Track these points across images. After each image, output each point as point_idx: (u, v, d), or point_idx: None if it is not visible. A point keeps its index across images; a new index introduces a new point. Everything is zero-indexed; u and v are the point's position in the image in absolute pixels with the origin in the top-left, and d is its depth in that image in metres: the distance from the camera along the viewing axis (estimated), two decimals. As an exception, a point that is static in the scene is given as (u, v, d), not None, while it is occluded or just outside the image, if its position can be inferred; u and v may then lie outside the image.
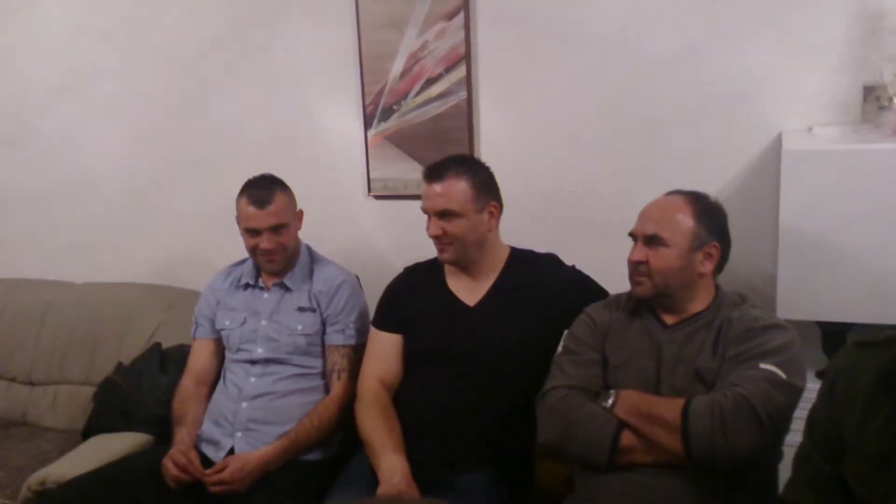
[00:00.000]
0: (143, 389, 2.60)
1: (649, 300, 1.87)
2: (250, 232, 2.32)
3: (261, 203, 2.30)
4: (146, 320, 2.90)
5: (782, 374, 1.69)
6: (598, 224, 2.51)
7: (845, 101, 2.22)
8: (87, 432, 2.63)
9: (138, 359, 2.75)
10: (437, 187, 2.09)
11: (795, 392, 1.71)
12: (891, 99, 1.97)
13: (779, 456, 1.80)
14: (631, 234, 1.89)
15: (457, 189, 2.08)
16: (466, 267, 2.17)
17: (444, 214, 2.09)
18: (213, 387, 2.47)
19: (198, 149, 3.01)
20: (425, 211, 2.13)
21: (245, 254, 2.54)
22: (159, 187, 3.11)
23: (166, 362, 2.68)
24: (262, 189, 2.33)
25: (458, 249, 2.12)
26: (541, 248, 2.27)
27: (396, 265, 2.72)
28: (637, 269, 1.84)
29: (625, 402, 1.79)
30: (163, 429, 2.47)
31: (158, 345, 2.77)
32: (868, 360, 1.43)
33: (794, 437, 1.68)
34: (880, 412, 1.38)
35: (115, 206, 3.19)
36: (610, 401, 1.80)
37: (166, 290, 3.04)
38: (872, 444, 1.38)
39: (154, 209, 3.14)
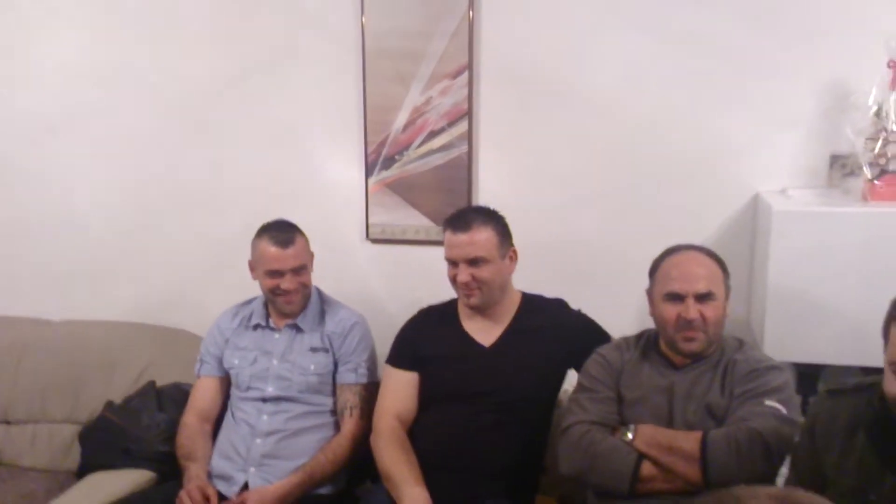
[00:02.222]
0: (141, 426, 2.61)
1: (695, 353, 2.02)
2: (272, 273, 2.40)
3: (284, 244, 2.39)
4: (134, 359, 2.91)
5: (784, 411, 1.90)
6: (589, 272, 2.69)
7: (814, 167, 2.48)
8: (83, 470, 2.61)
9: (132, 396, 2.76)
10: (465, 237, 2.23)
11: (795, 426, 1.91)
12: (860, 167, 2.23)
13: (774, 484, 2.00)
14: (674, 295, 1.99)
15: (484, 237, 2.23)
16: (485, 310, 2.32)
17: (474, 262, 2.23)
18: (215, 424, 2.52)
19: (191, 190, 3.05)
20: (453, 259, 2.26)
21: (243, 294, 2.63)
22: (147, 227, 3.13)
23: (163, 400, 2.70)
24: (283, 231, 2.43)
25: (486, 294, 2.26)
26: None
27: (391, 309, 2.86)
28: (691, 325, 1.96)
29: (644, 435, 1.96)
30: (165, 466, 2.51)
31: (153, 383, 2.78)
32: (840, 406, 1.66)
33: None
34: (854, 451, 1.60)
35: (98, 245, 3.18)
36: (630, 435, 1.97)
37: (153, 329, 3.05)
38: (848, 479, 1.60)
39: (142, 248, 3.15)
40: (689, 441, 1.89)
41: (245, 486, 2.31)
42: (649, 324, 2.16)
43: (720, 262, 2.04)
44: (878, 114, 2.18)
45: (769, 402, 1.90)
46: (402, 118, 2.77)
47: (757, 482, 1.84)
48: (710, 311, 1.97)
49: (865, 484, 1.57)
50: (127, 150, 3.09)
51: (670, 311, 1.99)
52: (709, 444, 1.85)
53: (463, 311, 2.36)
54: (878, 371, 1.65)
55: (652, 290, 2.08)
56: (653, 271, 2.08)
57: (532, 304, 2.37)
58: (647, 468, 1.92)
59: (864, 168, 2.20)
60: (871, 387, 1.58)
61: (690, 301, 1.97)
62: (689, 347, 2.00)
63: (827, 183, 2.46)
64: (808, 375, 2.35)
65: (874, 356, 2.08)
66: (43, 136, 3.16)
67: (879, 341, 2.14)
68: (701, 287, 1.98)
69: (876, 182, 2.16)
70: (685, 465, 1.87)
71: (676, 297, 1.99)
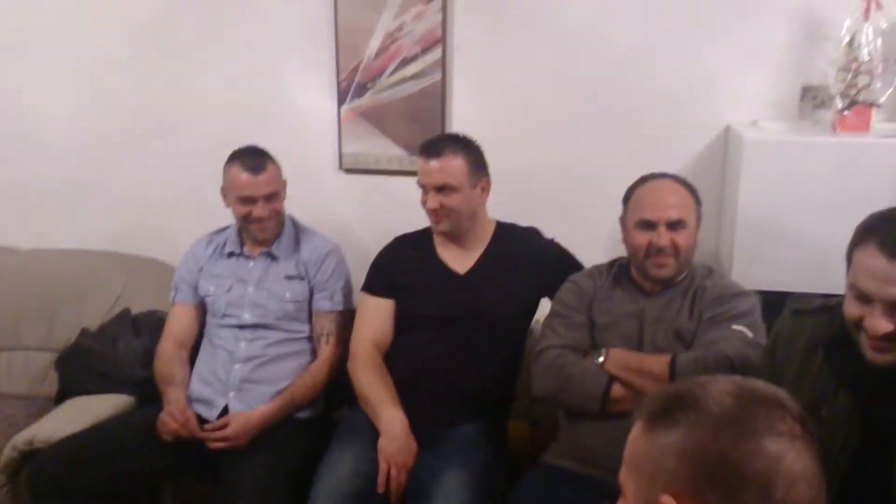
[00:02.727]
0: (118, 352, 2.64)
1: (665, 280, 2.07)
2: (244, 200, 2.40)
3: (255, 170, 2.39)
4: (107, 287, 2.92)
5: (750, 335, 1.97)
6: (562, 202, 2.71)
7: (784, 99, 2.50)
8: (62, 396, 2.64)
9: (108, 324, 2.78)
10: (436, 163, 2.25)
11: (760, 350, 1.99)
12: (831, 99, 2.27)
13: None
14: (645, 222, 2.03)
15: (454, 165, 2.25)
16: (457, 238, 2.35)
17: (441, 189, 2.25)
18: (191, 350, 2.55)
19: (161, 117, 3.01)
20: (423, 185, 2.28)
21: (215, 223, 2.63)
22: (115, 154, 3.09)
23: (139, 327, 2.72)
24: (254, 157, 2.42)
25: (454, 221, 2.29)
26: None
27: (364, 238, 2.88)
28: (662, 252, 2.01)
29: (615, 358, 2.02)
30: (144, 390, 2.54)
31: (128, 310, 2.80)
32: (803, 325, 1.71)
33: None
34: (811, 369, 1.65)
35: (65, 172, 3.15)
36: (601, 358, 2.03)
37: (125, 258, 3.05)
38: (803, 395, 1.65)
39: (110, 176, 3.12)
40: (658, 363, 1.95)
41: (225, 410, 2.35)
42: (621, 253, 2.21)
43: (692, 191, 2.08)
44: (850, 44, 2.20)
45: (736, 327, 1.97)
46: (374, 44, 2.74)
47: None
48: (681, 238, 2.02)
49: (819, 401, 1.63)
50: (93, 75, 3.04)
51: (642, 238, 2.03)
52: (677, 366, 1.92)
53: (437, 239, 2.39)
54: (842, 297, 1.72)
55: (625, 218, 2.12)
56: (626, 199, 2.12)
57: (506, 233, 2.40)
58: (617, 389, 1.99)
59: (836, 99, 2.24)
60: (834, 308, 1.64)
61: (662, 228, 2.01)
62: (660, 273, 2.05)
63: (797, 115, 2.49)
64: (774, 303, 2.41)
65: (838, 284, 2.12)
66: (2, 57, 3.08)
67: (843, 269, 2.23)
68: (673, 214, 2.02)
69: (846, 113, 2.20)
70: (654, 387, 1.93)
71: (648, 225, 2.03)
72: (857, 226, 1.53)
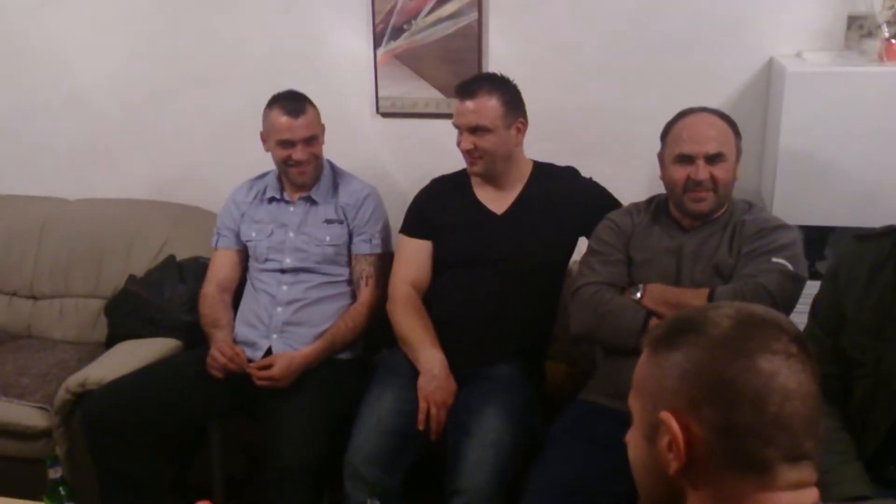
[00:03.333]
0: (164, 298, 2.70)
1: (705, 214, 2.04)
2: (283, 143, 2.42)
3: (295, 113, 2.40)
4: (152, 235, 2.97)
5: (791, 267, 1.94)
6: (601, 142, 2.69)
7: (830, 29, 2.43)
8: (111, 341, 2.72)
9: (153, 270, 2.84)
10: (470, 104, 2.23)
11: (801, 282, 1.97)
12: (878, 27, 2.20)
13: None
14: (683, 156, 2.00)
15: (488, 106, 2.23)
16: (494, 179, 2.34)
17: (475, 130, 2.24)
18: (234, 294, 2.60)
19: (198, 65, 3.03)
20: (457, 126, 2.27)
21: (255, 169, 2.65)
22: (156, 104, 3.12)
23: (184, 272, 2.77)
24: (294, 101, 2.43)
25: (488, 162, 2.28)
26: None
27: (402, 182, 2.89)
28: (700, 185, 1.98)
29: (652, 293, 2.01)
30: (190, 334, 2.61)
31: (173, 256, 2.85)
32: (866, 249, 1.74)
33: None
34: (875, 290, 1.68)
35: (108, 123, 3.19)
36: (639, 294, 2.02)
37: (169, 206, 3.09)
38: (868, 317, 1.68)
39: (151, 126, 3.15)
40: (696, 297, 1.94)
41: (268, 352, 2.40)
42: (660, 191, 2.19)
43: (732, 124, 2.04)
44: (898, -30, 2.12)
45: (776, 259, 1.94)
46: (411, -17, 2.72)
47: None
48: (720, 171, 1.99)
49: (883, 320, 1.65)
50: (131, 26, 3.05)
51: (680, 172, 2.01)
52: (716, 299, 1.90)
53: (475, 180, 2.38)
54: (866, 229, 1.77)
55: (662, 153, 2.09)
56: (664, 134, 2.09)
57: (543, 173, 2.39)
58: (654, 324, 1.98)
59: (882, 27, 2.17)
60: None
61: (700, 162, 1.98)
62: (698, 207, 2.02)
63: (843, 45, 2.42)
64: (815, 239, 2.38)
65: (883, 217, 2.12)
66: (42, 11, 3.11)
67: (887, 201, 2.18)
68: (711, 148, 1.98)
69: (893, 41, 2.13)
70: None
71: (686, 159, 2.00)
72: None
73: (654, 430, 0.94)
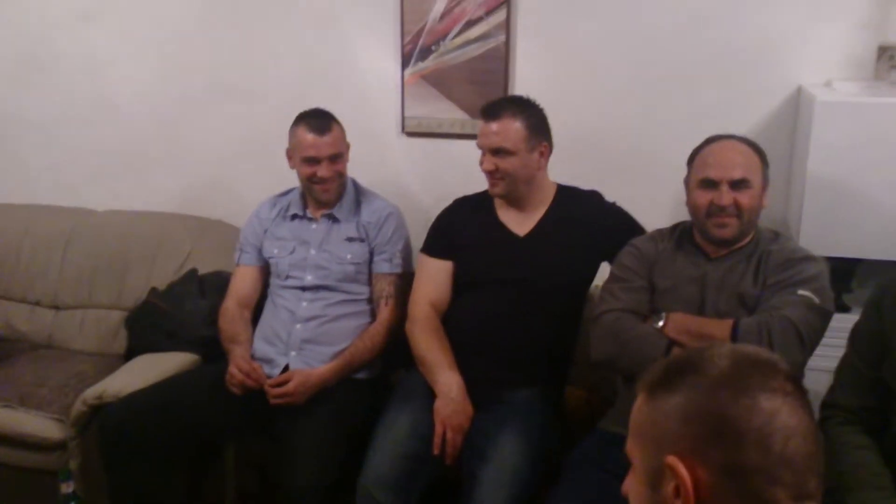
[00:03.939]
0: (185, 311, 2.71)
1: (728, 241, 2.01)
2: (308, 161, 2.42)
3: (320, 131, 2.41)
4: (176, 248, 2.99)
5: (817, 300, 1.90)
6: (626, 166, 2.68)
7: (860, 58, 2.41)
8: (131, 353, 2.73)
9: (175, 283, 2.85)
10: (494, 126, 2.23)
11: (827, 316, 1.93)
12: (910, 58, 2.18)
13: (802, 374, 2.03)
14: (707, 181, 1.97)
15: (512, 129, 2.22)
16: (516, 201, 2.33)
17: (497, 151, 2.23)
18: (254, 311, 2.60)
19: (227, 80, 3.06)
20: (480, 147, 2.27)
21: (280, 185, 2.66)
22: (185, 117, 3.15)
23: (205, 287, 2.78)
24: (320, 118, 2.44)
25: (509, 185, 2.27)
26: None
27: (425, 201, 2.88)
28: (723, 211, 1.95)
29: (675, 322, 1.98)
30: (209, 349, 2.61)
31: (195, 270, 2.86)
32: None
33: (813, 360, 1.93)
34: None
35: (138, 135, 3.22)
36: (661, 322, 2.00)
37: (193, 220, 3.11)
38: None
39: (179, 139, 3.18)
40: (720, 328, 1.91)
41: (286, 369, 2.39)
42: (684, 218, 2.16)
43: (759, 152, 2.02)
44: (931, 1, 2.09)
45: (802, 292, 1.90)
46: (439, 6, 2.72)
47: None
48: (744, 198, 1.96)
49: None
50: (161, 37, 3.10)
51: (704, 197, 1.98)
52: (740, 331, 1.87)
53: (498, 201, 2.37)
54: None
55: (688, 178, 2.06)
56: (691, 160, 2.07)
57: (567, 196, 2.37)
58: (677, 351, 1.95)
59: (914, 58, 2.14)
60: None
61: (725, 187, 1.95)
62: (721, 233, 1.99)
63: (873, 75, 2.40)
64: (842, 270, 2.34)
65: (912, 251, 2.08)
66: (76, 23, 3.16)
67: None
68: (736, 174, 1.96)
69: (924, 72, 2.11)
70: None
71: (711, 184, 1.97)
72: None
73: (658, 476, 0.92)
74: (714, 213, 1.97)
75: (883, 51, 2.37)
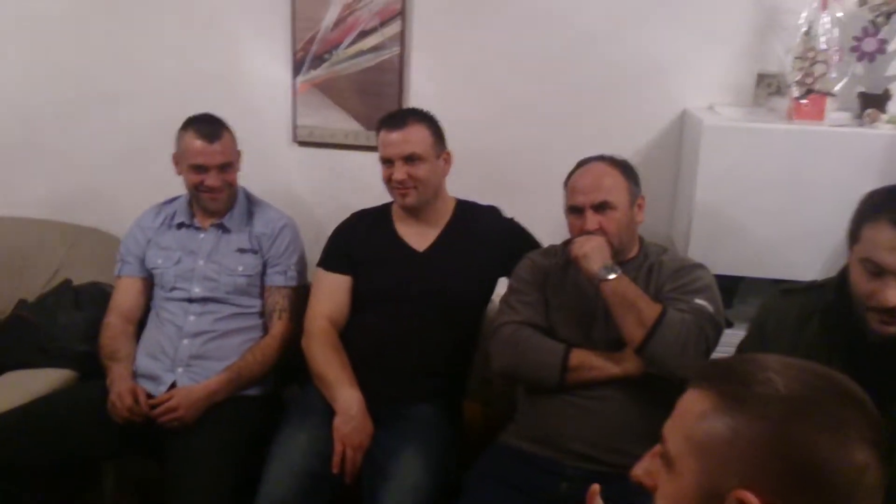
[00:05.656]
0: (58, 325, 2.54)
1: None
2: (196, 168, 2.33)
3: (210, 138, 2.32)
4: (47, 257, 2.81)
5: (711, 310, 1.97)
6: (519, 182, 2.71)
7: (740, 85, 2.53)
8: (-1, 370, 2.54)
9: (47, 294, 2.67)
10: (400, 134, 2.21)
11: (719, 329, 2.00)
12: (788, 87, 2.30)
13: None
14: (574, 208, 2.05)
15: (420, 134, 2.22)
16: (418, 214, 2.31)
17: (409, 158, 2.21)
18: (138, 325, 2.47)
19: (105, 82, 2.90)
20: (388, 157, 2.23)
21: (160, 193, 2.55)
22: (57, 119, 2.97)
23: (81, 299, 2.62)
24: (210, 125, 2.35)
25: (422, 193, 2.25)
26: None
27: (317, 212, 2.83)
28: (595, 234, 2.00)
29: (620, 283, 1.95)
30: (86, 365, 2.45)
31: (69, 281, 2.69)
32: (792, 303, 1.79)
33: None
34: (802, 342, 1.72)
35: (4, 137, 3.01)
36: (612, 275, 1.95)
37: (65, 227, 2.93)
38: None
39: (51, 142, 3.00)
40: (651, 307, 1.92)
41: (173, 386, 2.27)
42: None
43: (625, 170, 2.08)
44: (808, 34, 2.22)
45: (699, 301, 1.97)
46: (332, 14, 2.68)
47: (689, 372, 1.92)
48: (608, 220, 2.02)
49: None
50: (34, 36, 2.92)
51: (575, 223, 2.06)
52: (667, 318, 1.90)
53: (397, 215, 2.35)
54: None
55: (564, 204, 2.12)
56: (565, 185, 2.13)
57: (466, 211, 2.38)
58: (575, 357, 2.00)
59: (792, 87, 2.27)
60: (823, 286, 1.73)
61: (589, 213, 2.02)
62: None
63: (752, 102, 2.53)
64: (726, 288, 2.45)
65: (790, 269, 2.22)
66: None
67: (795, 254, 2.27)
68: (597, 198, 2.02)
69: (802, 101, 2.23)
70: (634, 325, 1.91)
71: (578, 210, 2.04)
72: (861, 202, 1.57)
73: (715, 500, 0.85)
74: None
75: (761, 78, 2.50)
